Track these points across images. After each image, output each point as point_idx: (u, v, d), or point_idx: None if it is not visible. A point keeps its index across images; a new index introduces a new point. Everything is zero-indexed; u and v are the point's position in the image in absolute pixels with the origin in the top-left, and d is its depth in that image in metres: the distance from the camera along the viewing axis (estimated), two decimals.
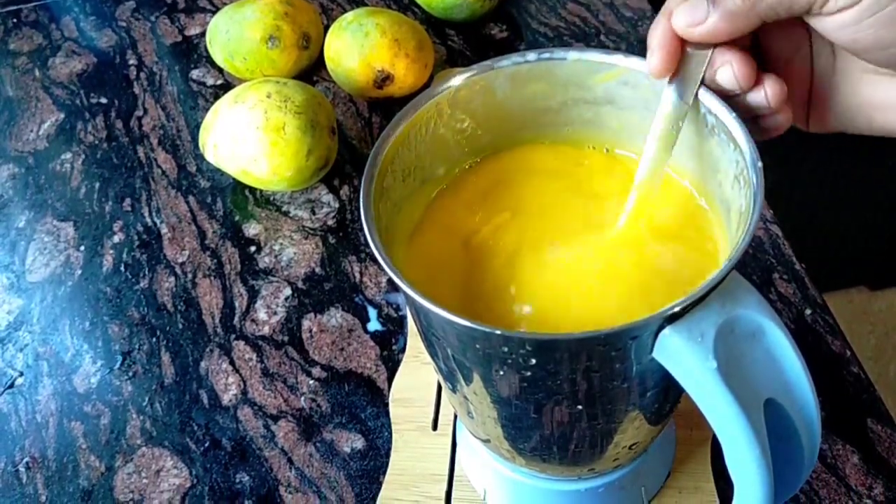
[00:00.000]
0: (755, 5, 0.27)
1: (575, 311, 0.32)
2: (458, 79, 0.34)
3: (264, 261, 0.56)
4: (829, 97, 0.32)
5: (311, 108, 0.56)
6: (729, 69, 0.29)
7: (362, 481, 0.44)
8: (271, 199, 0.60)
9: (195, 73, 0.72)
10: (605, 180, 0.36)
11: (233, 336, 0.52)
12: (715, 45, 0.29)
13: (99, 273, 0.57)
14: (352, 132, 0.64)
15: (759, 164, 0.28)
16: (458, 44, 0.71)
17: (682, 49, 0.30)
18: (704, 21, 0.28)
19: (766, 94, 0.29)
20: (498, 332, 0.26)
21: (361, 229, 0.37)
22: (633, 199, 0.32)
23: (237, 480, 0.45)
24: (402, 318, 0.51)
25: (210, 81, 0.71)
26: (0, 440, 0.48)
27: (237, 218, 0.59)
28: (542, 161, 0.37)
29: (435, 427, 0.45)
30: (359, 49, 0.61)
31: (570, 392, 0.28)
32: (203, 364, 0.50)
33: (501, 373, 0.28)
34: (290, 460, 0.45)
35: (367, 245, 0.55)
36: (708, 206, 0.34)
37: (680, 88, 0.30)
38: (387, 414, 0.46)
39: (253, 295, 0.54)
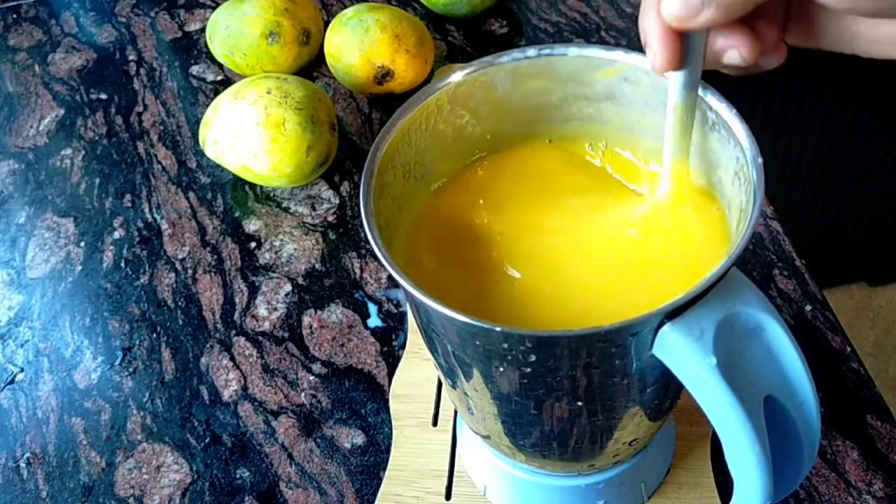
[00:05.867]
0: None
1: (575, 305, 0.32)
2: (458, 75, 0.34)
3: (264, 257, 0.56)
4: (818, 21, 0.29)
5: (312, 104, 0.56)
6: (734, 53, 0.27)
7: (363, 477, 0.44)
8: (271, 195, 0.60)
9: (195, 69, 0.72)
10: (605, 175, 0.36)
11: (233, 332, 0.52)
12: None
13: (99, 269, 0.57)
14: (352, 128, 0.64)
15: (760, 160, 0.28)
16: (459, 39, 0.71)
17: (682, 40, 0.28)
18: (699, 13, 0.26)
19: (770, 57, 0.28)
20: (498, 328, 0.26)
21: (361, 225, 0.37)
22: (659, 194, 0.31)
23: (238, 476, 0.45)
24: (403, 314, 0.51)
25: (210, 77, 0.71)
26: (1, 436, 0.48)
27: (237, 214, 0.59)
28: (542, 157, 0.37)
29: (435, 423, 0.45)
30: (359, 45, 0.61)
31: (569, 388, 0.29)
32: (203, 360, 0.50)
33: (501, 369, 0.28)
34: (290, 456, 0.45)
35: (367, 241, 0.55)
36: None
37: (685, 77, 0.29)
38: (387, 410, 0.46)
39: (253, 291, 0.54)
